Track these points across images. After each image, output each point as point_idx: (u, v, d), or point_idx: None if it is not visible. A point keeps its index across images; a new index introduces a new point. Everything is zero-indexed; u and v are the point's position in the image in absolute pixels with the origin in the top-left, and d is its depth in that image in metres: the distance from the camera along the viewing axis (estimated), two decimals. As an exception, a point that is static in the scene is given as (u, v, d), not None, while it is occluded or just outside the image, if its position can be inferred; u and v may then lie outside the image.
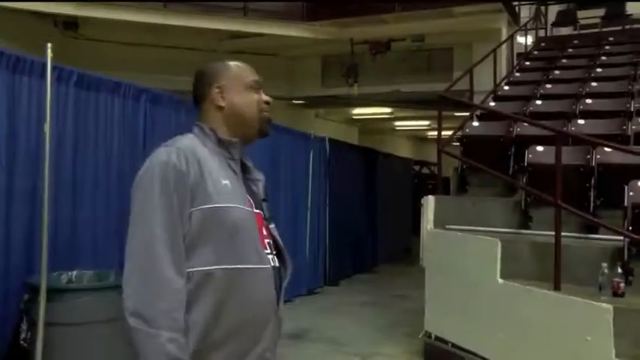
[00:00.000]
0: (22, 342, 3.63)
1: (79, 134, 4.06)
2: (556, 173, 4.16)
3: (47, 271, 3.35)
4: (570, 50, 9.60)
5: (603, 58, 8.77)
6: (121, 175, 4.42)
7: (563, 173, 4.20)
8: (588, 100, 6.68)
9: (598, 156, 5.06)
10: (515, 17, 9.66)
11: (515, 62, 9.49)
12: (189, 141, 1.60)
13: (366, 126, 17.25)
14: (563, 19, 11.49)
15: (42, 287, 3.38)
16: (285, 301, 6.27)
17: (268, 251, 1.63)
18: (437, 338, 5.10)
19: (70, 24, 8.08)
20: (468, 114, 6.80)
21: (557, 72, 8.29)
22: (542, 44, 10.50)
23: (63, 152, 3.86)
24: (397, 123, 17.44)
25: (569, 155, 4.91)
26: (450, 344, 4.91)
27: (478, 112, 6.70)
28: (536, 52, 9.92)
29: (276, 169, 7.34)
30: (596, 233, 4.69)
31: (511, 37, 9.25)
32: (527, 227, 5.05)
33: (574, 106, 6.56)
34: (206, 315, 1.48)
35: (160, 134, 4.77)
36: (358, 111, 14.56)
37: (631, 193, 4.44)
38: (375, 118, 15.92)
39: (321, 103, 12.64)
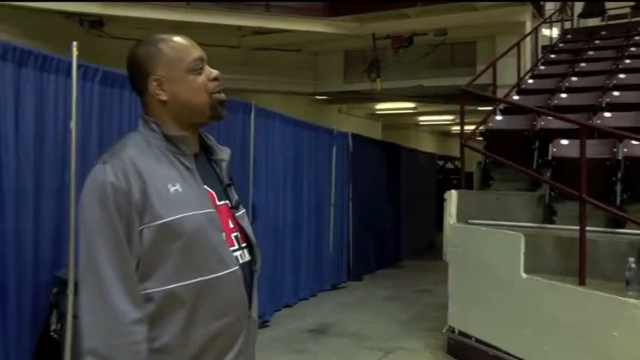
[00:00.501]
0: (52, 333, 3.73)
1: (103, 131, 4.13)
2: (581, 167, 4.11)
3: (74, 264, 3.43)
4: (597, 42, 9.41)
5: (632, 49, 8.58)
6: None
7: (588, 167, 4.15)
8: (615, 93, 6.55)
9: (624, 149, 4.98)
10: (539, 9, 9.51)
11: (540, 55, 9.36)
12: (130, 146, 1.44)
13: (390, 121, 17.18)
14: (590, 10, 11.27)
15: (70, 280, 3.47)
16: (310, 296, 6.26)
17: (236, 247, 1.51)
18: (460, 333, 5.08)
19: (96, 22, 8.19)
20: (491, 108, 6.74)
21: (583, 64, 8.15)
22: (568, 36, 10.31)
23: (88, 149, 3.93)
24: (421, 118, 17.34)
25: (595, 148, 4.83)
26: (473, 339, 4.90)
27: (502, 106, 6.63)
28: (561, 45, 9.75)
29: (299, 164, 7.37)
30: (623, 228, 4.62)
31: (535, 30, 9.11)
32: (551, 222, 4.99)
33: (600, 99, 6.45)
34: (175, 334, 1.38)
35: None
36: (381, 106, 14.51)
37: (658, 187, 4.36)
38: (398, 113, 15.85)
39: (344, 98, 12.63)
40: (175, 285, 1.37)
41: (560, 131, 5.33)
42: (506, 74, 7.66)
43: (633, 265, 3.84)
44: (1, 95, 3.43)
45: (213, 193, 1.51)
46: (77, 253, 3.50)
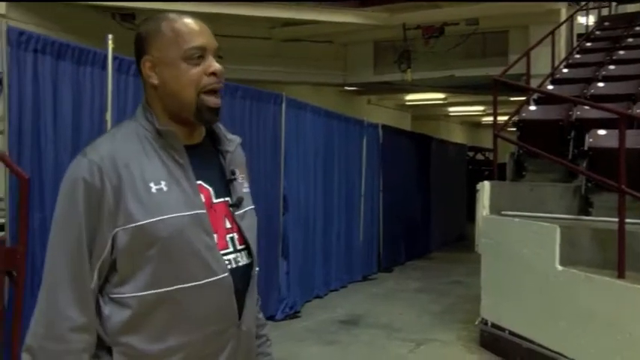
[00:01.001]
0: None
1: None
2: (620, 157, 4.01)
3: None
4: (637, 28, 9.14)
5: (674, 35, 8.34)
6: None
7: (627, 157, 4.05)
8: (655, 81, 6.38)
9: (665, 139, 4.85)
10: (573, -3, 9.31)
11: (575, 44, 9.15)
12: (117, 138, 1.33)
13: (419, 112, 17.06)
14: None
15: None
16: (340, 287, 6.21)
17: (229, 250, 1.37)
18: (493, 325, 5.04)
19: (127, 15, 8.30)
20: (524, 99, 6.63)
21: (621, 52, 7.93)
22: (606, 23, 10.05)
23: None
24: (451, 109, 17.18)
25: (634, 139, 4.71)
26: (507, 331, 4.85)
27: (535, 96, 6.51)
28: (598, 32, 9.51)
29: (330, 155, 7.37)
30: (662, 219, 4.51)
31: (571, 18, 8.91)
32: (587, 213, 4.90)
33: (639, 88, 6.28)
34: (151, 343, 1.29)
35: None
36: (411, 97, 14.41)
37: (701, 178, 4.24)
38: (428, 104, 15.72)
39: (375, 89, 12.57)
40: (152, 292, 1.27)
41: (597, 121, 5.21)
42: (540, 64, 7.52)
43: (674, 258, 3.75)
44: (40, 88, 3.50)
45: (210, 189, 1.37)
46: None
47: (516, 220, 4.89)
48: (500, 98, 6.10)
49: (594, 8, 10.37)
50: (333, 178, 7.47)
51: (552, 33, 7.45)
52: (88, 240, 1.26)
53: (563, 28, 8.50)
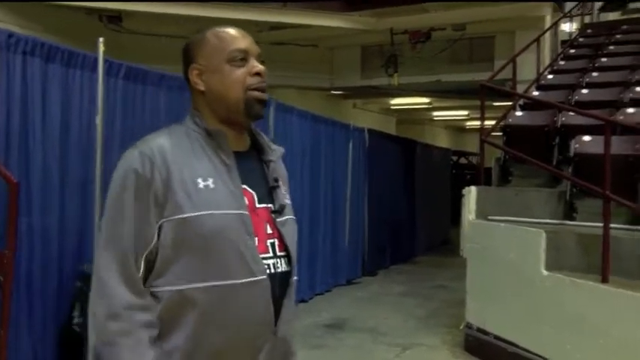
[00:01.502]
0: (74, 326, 3.78)
1: (126, 126, 4.16)
2: (605, 163, 4.07)
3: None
4: (619, 36, 9.28)
5: (653, 43, 8.47)
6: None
7: (611, 164, 4.11)
8: (638, 88, 6.48)
9: (647, 146, 4.93)
10: (559, 3, 9.42)
11: (560, 50, 9.27)
12: (166, 136, 1.39)
13: (404, 116, 17.14)
14: (611, 4, 11.11)
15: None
16: (325, 291, 6.21)
17: (269, 255, 1.39)
18: (478, 330, 5.07)
19: (114, 18, 8.25)
20: (509, 104, 6.70)
21: (604, 59, 8.05)
22: (589, 31, 10.19)
23: (111, 144, 3.96)
24: (435, 113, 17.29)
25: (617, 145, 4.77)
26: (491, 336, 4.88)
27: (521, 102, 6.58)
28: (581, 39, 9.63)
29: (316, 159, 7.38)
30: (645, 225, 4.58)
31: (555, 25, 9.03)
32: (571, 218, 4.96)
33: (622, 94, 6.38)
34: (184, 341, 1.30)
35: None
36: (396, 101, 14.48)
37: (683, 185, 4.32)
38: (413, 108, 15.81)
39: (361, 93, 12.61)
40: (187, 286, 1.29)
41: (582, 127, 5.28)
42: (525, 69, 7.61)
43: (656, 263, 3.82)
44: (29, 90, 3.47)
45: (253, 193, 1.41)
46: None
47: (502, 224, 4.93)
48: (485, 103, 6.15)
49: (577, 15, 10.51)
50: (319, 182, 7.48)
51: (538, 40, 7.54)
52: (137, 229, 1.29)
53: (548, 35, 8.61)
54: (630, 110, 5.81)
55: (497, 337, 4.82)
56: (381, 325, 6.14)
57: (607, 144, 4.11)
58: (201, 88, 1.41)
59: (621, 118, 5.58)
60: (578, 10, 10.37)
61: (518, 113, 6.35)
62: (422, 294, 7.72)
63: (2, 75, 3.31)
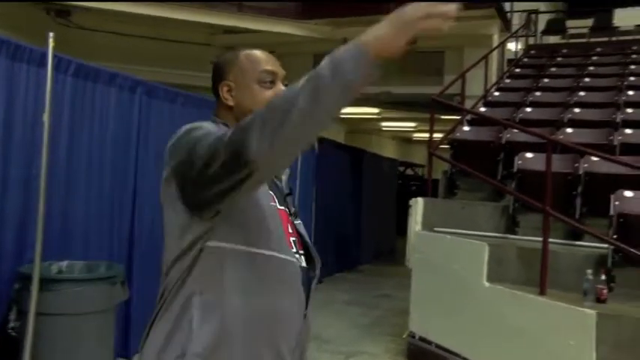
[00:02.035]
0: (9, 331, 3.62)
1: (74, 125, 4.04)
2: (546, 180, 4.23)
3: (40, 260, 3.34)
4: (559, 59, 9.74)
5: (591, 68, 8.91)
6: (114, 166, 4.42)
7: (551, 181, 4.28)
8: (576, 109, 6.79)
9: (585, 165, 5.16)
10: (506, 24, 9.76)
11: (506, 68, 9.60)
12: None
13: (353, 125, 17.28)
14: (552, 28, 11.64)
15: (35, 277, 3.37)
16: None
17: (294, 250, 1.49)
18: (421, 339, 5.15)
19: (62, 12, 8.01)
20: (458, 117, 6.87)
21: (546, 80, 8.41)
22: (532, 52, 10.63)
23: (57, 142, 3.84)
24: (384, 123, 17.50)
25: (557, 163, 4.98)
26: (433, 345, 4.97)
27: (469, 117, 6.77)
28: (525, 60, 10.04)
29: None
30: (581, 240, 4.79)
31: (502, 44, 9.35)
32: (514, 232, 5.13)
33: (562, 115, 6.66)
34: (230, 295, 1.36)
35: (155, 127, 4.77)
36: (346, 110, 14.46)
37: (616, 203, 4.53)
38: (362, 118, 15.96)
39: (311, 101, 12.61)
40: (244, 247, 1.36)
41: (526, 144, 5.48)
42: (474, 85, 7.82)
43: (590, 277, 3.98)
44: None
45: (274, 196, 1.50)
46: (44, 248, 3.42)
47: (448, 236, 5.05)
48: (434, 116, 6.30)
49: (522, 36, 10.93)
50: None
51: (486, 57, 7.78)
52: None
53: (495, 53, 8.90)
54: (569, 130, 6.08)
55: (439, 347, 4.91)
56: (325, 332, 6.15)
57: (549, 162, 4.28)
58: (231, 103, 1.53)
59: (561, 137, 5.83)
60: (523, 31, 10.80)
61: (466, 128, 6.53)
62: (366, 303, 7.79)
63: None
